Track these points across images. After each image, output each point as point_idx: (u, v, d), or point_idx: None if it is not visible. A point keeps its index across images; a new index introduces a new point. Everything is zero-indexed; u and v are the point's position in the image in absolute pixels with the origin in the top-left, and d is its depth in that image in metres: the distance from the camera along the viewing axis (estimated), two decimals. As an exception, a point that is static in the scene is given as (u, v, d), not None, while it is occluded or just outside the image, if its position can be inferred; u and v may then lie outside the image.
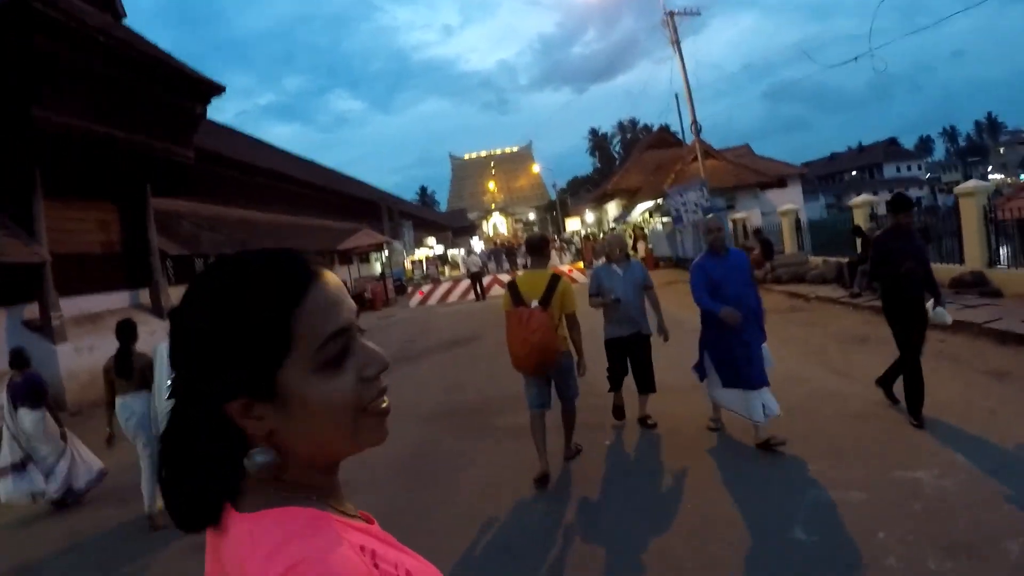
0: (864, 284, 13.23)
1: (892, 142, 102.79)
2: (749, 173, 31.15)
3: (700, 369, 6.54)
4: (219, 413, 0.85)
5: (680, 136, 43.75)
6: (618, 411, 7.44)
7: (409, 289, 29.12)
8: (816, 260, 17.91)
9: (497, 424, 8.10)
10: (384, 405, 0.91)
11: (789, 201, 30.99)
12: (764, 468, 5.59)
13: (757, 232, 19.26)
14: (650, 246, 32.55)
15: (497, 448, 7.19)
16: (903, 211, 6.21)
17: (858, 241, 14.94)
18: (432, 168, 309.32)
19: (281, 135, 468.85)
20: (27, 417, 6.88)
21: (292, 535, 0.80)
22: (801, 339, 10.75)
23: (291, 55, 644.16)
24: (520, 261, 38.42)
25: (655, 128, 62.86)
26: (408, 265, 42.52)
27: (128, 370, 6.29)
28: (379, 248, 31.83)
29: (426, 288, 28.30)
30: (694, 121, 22.17)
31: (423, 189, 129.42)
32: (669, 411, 7.37)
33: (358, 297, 26.40)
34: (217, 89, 17.13)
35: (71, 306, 14.13)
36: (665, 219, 27.85)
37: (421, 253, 51.75)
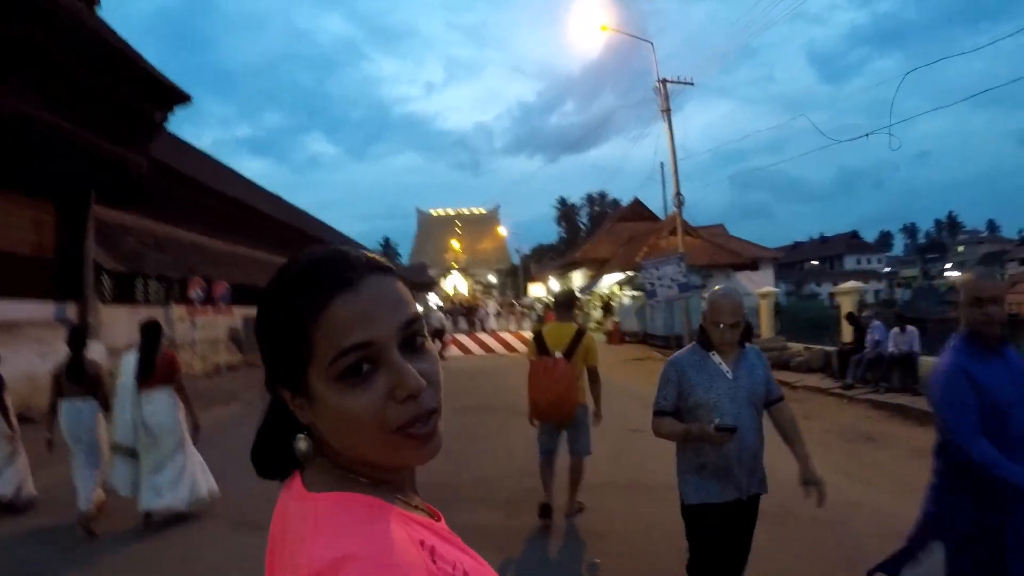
0: (859, 375, 12.31)
1: (854, 235, 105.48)
2: (724, 253, 30.59)
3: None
4: (279, 396, 0.92)
5: (653, 211, 43.68)
6: None
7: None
8: (796, 346, 17.03)
9: (457, 522, 6.78)
10: (421, 431, 0.86)
11: (760, 284, 30.53)
12: None
13: (740, 314, 18.57)
14: (617, 319, 31.66)
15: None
16: None
17: (851, 329, 14.04)
18: (398, 221, 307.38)
19: (254, 168, 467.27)
20: None
21: (353, 523, 0.81)
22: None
23: (273, 91, 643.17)
24: (484, 323, 37.34)
25: (624, 203, 62.72)
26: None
27: (79, 375, 6.48)
28: None
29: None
30: (677, 192, 21.35)
31: (386, 240, 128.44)
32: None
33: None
34: (182, 98, 16.10)
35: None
36: (635, 293, 26.95)
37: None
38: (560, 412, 5.88)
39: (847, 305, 15.38)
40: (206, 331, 21.74)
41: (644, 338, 25.52)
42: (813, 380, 13.95)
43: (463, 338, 26.33)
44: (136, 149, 15.57)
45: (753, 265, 31.71)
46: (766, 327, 18.92)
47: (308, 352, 0.84)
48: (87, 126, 13.40)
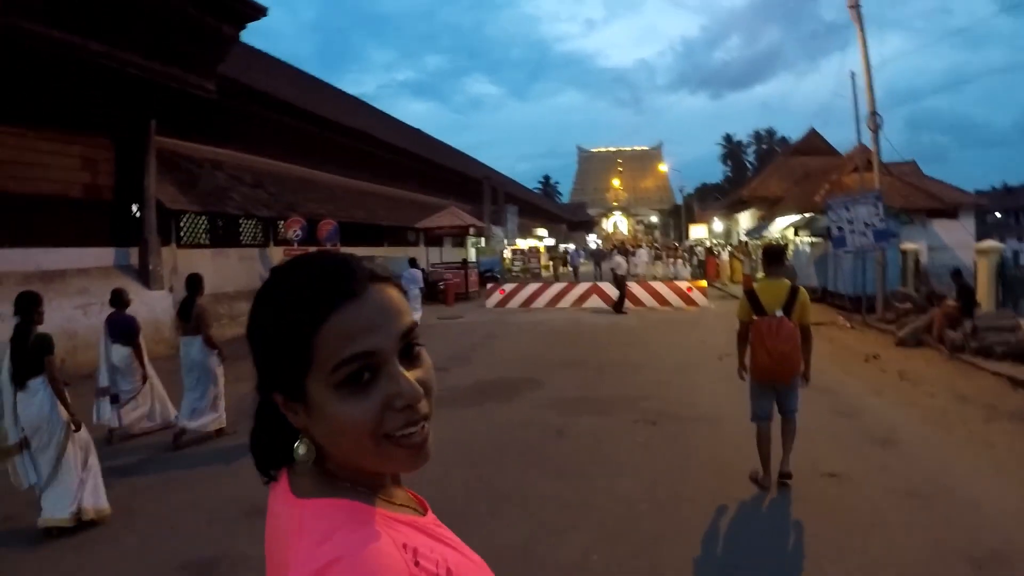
0: None
1: None
2: (921, 195, 25.12)
3: None
4: (270, 398, 0.93)
5: (832, 145, 38.11)
6: None
7: (489, 286, 24.18)
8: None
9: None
10: (414, 439, 0.88)
11: (958, 235, 24.94)
12: None
13: (955, 275, 13.69)
14: (760, 272, 27.17)
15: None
16: None
17: None
18: (559, 160, 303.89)
19: (416, 112, 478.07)
20: (118, 352, 7.82)
21: (335, 529, 0.83)
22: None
23: (433, 34, 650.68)
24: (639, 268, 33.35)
25: (793, 141, 56.25)
26: (507, 255, 37.99)
27: (187, 316, 7.69)
28: (464, 232, 27.10)
29: (508, 287, 23.40)
30: (873, 112, 16.59)
31: (546, 178, 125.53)
32: None
33: (432, 287, 21.98)
34: (256, 11, 13.93)
35: (25, 260, 12.00)
36: (815, 239, 22.25)
37: (529, 244, 47.30)
38: (787, 372, 5.85)
39: None
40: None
41: (823, 296, 20.66)
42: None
43: (611, 289, 22.57)
44: (202, 70, 13.57)
45: (952, 212, 26.08)
46: (986, 295, 14.08)
47: (309, 359, 0.85)
48: (139, 49, 11.99)
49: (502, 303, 22.32)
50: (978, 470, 6.34)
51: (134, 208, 14.31)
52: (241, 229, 18.44)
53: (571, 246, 50.69)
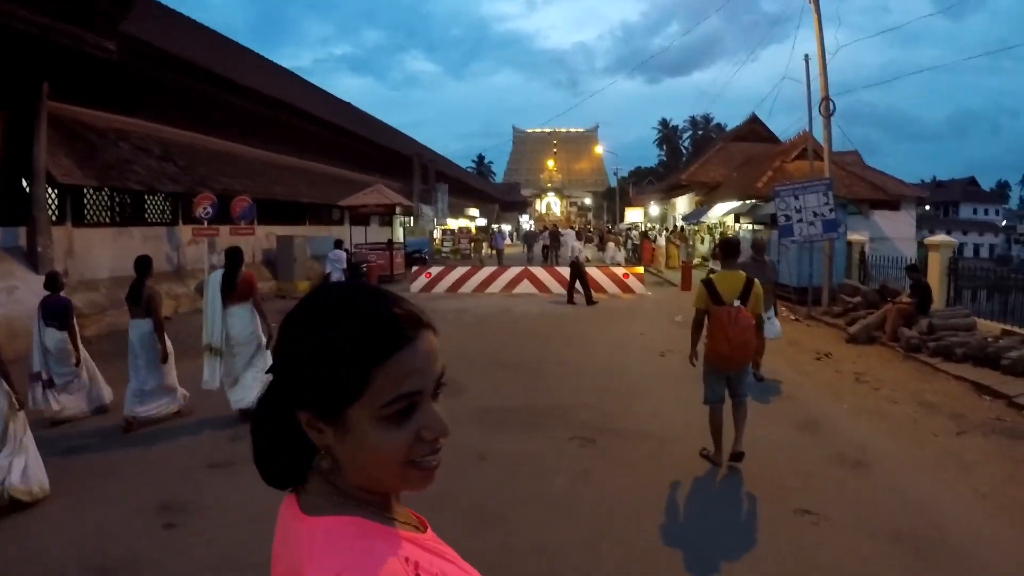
0: None
1: (971, 182, 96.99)
2: (865, 186, 24.73)
3: None
4: (291, 413, 0.96)
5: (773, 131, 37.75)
6: None
7: (414, 269, 22.75)
8: (989, 325, 11.85)
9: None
10: (434, 464, 0.96)
11: (898, 227, 24.62)
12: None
13: (911, 270, 12.99)
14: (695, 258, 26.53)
15: None
16: None
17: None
18: (494, 140, 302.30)
19: (352, 87, 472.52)
20: (52, 336, 7.59)
21: (344, 548, 0.89)
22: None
23: (372, 9, 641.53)
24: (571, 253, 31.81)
25: (730, 128, 55.75)
26: (437, 235, 36.74)
27: (137, 298, 7.58)
28: (391, 210, 25.67)
29: (435, 270, 22.08)
30: (826, 97, 15.82)
31: (480, 157, 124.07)
32: None
33: (354, 269, 20.68)
34: None
35: None
36: (757, 227, 21.55)
37: (460, 224, 46.06)
38: (743, 359, 6.14)
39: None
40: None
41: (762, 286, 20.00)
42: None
43: (540, 272, 21.52)
44: (101, 29, 12.08)
45: (895, 204, 25.81)
46: (937, 292, 13.38)
47: (361, 391, 0.90)
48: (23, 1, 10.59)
49: (427, 288, 21.07)
50: (962, 499, 5.60)
51: (24, 183, 12.79)
52: (147, 206, 16.90)
53: (496, 226, 49.05)
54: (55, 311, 7.59)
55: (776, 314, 9.97)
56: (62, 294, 7.78)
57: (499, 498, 5.49)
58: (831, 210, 14.52)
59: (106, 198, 15.29)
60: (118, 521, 5.10)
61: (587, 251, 29.43)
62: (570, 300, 18.14)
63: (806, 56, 16.89)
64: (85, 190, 14.46)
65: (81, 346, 7.82)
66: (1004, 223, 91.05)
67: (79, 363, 7.70)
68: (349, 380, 0.90)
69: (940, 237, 14.74)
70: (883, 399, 8.67)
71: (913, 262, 13.80)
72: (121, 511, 5.27)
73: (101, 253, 14.39)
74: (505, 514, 5.17)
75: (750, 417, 6.32)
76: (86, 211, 14.75)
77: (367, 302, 0.96)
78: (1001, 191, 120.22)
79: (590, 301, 17.91)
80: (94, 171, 14.03)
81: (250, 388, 7.57)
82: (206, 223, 16.38)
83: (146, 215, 16.84)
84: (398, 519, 1.01)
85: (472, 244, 36.70)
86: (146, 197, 16.60)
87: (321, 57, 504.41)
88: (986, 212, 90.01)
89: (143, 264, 7.69)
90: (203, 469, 6.14)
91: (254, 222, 18.96)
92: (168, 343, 7.67)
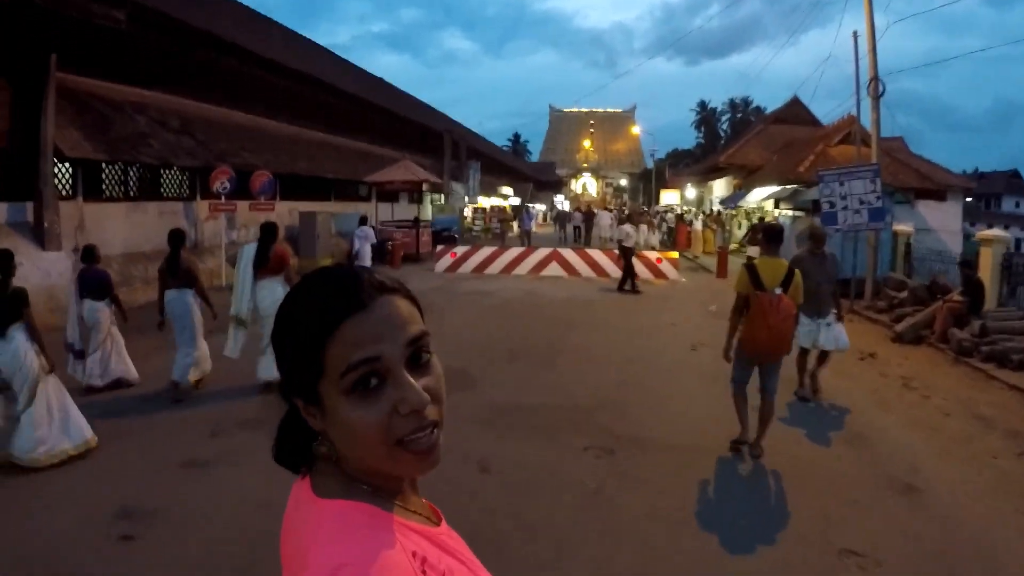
0: None
1: (1015, 174, 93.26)
2: (911, 174, 23.55)
3: None
4: (292, 402, 0.98)
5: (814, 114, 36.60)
6: None
7: (439, 248, 22.22)
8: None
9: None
10: (422, 443, 0.91)
11: (943, 219, 23.38)
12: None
13: (964, 266, 12.05)
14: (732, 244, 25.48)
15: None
16: None
17: None
18: (530, 119, 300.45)
19: (389, 64, 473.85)
20: (89, 307, 7.67)
21: (350, 534, 0.87)
22: None
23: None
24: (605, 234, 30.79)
25: (767, 112, 54.13)
26: (468, 214, 35.96)
27: (175, 270, 7.79)
28: (418, 187, 24.95)
29: (460, 250, 21.43)
30: (875, 78, 14.88)
31: (516, 136, 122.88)
32: None
33: (379, 246, 20.05)
34: None
35: None
36: (797, 213, 20.59)
37: (493, 202, 45.26)
38: (780, 349, 5.97)
39: None
40: (249, 231, 17.45)
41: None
42: None
43: (570, 255, 20.71)
44: None
45: (941, 194, 24.51)
46: (989, 290, 12.29)
47: (321, 366, 0.90)
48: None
49: (452, 268, 20.49)
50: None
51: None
52: (164, 181, 16.41)
53: (526, 204, 47.48)
54: (93, 283, 7.73)
55: (841, 318, 8.27)
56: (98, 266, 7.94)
57: (496, 523, 4.79)
58: (878, 198, 13.60)
59: (120, 172, 14.80)
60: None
61: (640, 235, 26.07)
62: (625, 287, 17.04)
63: (855, 32, 15.97)
64: (102, 165, 14.02)
65: (113, 320, 8.01)
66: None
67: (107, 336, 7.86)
68: (306, 357, 0.90)
69: (994, 231, 13.71)
70: (934, 410, 7.90)
71: (967, 257, 12.84)
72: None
73: (114, 228, 13.95)
74: (501, 544, 4.48)
75: (791, 427, 6.38)
76: (102, 186, 14.29)
77: (329, 279, 0.95)
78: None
79: (632, 289, 16.90)
80: (105, 144, 13.52)
81: (273, 362, 7.96)
82: (223, 198, 15.91)
83: (163, 190, 16.35)
84: (410, 508, 0.98)
85: (501, 224, 35.30)
86: (162, 171, 16.12)
87: (359, 34, 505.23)
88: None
89: (178, 236, 7.90)
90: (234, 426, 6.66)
91: (276, 197, 18.43)
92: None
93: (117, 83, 15.40)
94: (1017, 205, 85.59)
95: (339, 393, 0.89)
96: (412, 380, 0.90)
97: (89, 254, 7.89)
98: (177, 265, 7.73)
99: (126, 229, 14.22)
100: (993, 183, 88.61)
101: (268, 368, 7.65)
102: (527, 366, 9.33)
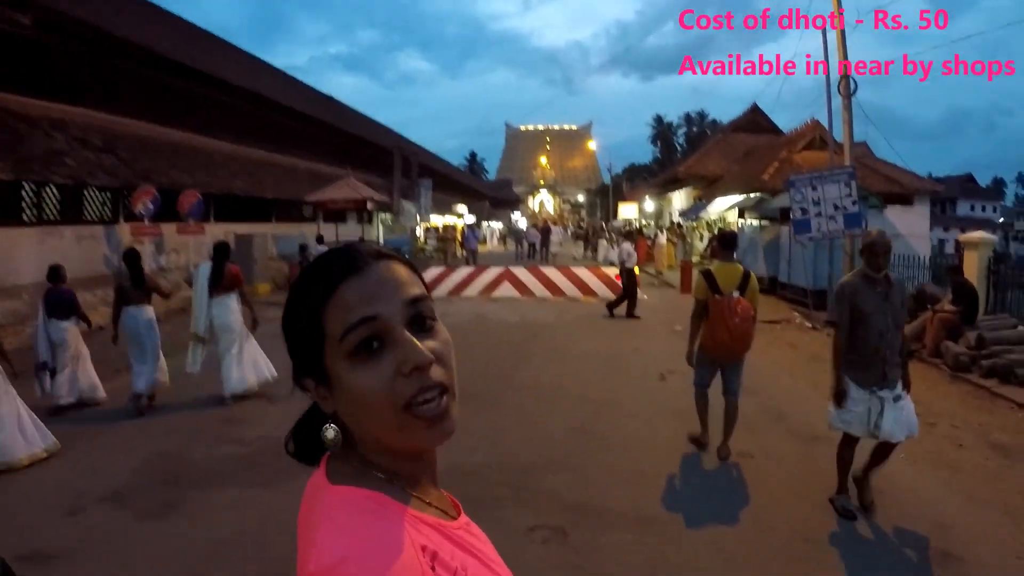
0: None
1: (969, 178, 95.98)
2: (879, 178, 22.86)
3: None
4: (304, 387, 0.95)
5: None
6: None
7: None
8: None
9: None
10: (431, 408, 0.87)
11: (911, 223, 22.69)
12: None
13: (952, 271, 11.18)
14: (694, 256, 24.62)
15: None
16: None
17: None
18: (488, 138, 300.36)
19: (347, 86, 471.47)
20: (56, 327, 7.75)
21: (358, 524, 0.83)
22: None
23: (368, 7, 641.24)
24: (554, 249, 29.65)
25: (722, 124, 53.77)
26: (420, 234, 34.73)
27: (140, 285, 8.09)
28: (362, 205, 23.41)
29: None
30: (845, 75, 14.05)
31: (472, 155, 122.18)
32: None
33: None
34: None
35: None
36: (764, 222, 19.75)
37: (447, 221, 44.08)
38: (740, 350, 6.10)
39: None
40: (180, 256, 16.12)
41: (772, 287, 18.09)
42: None
43: (522, 272, 19.43)
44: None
45: (908, 199, 23.89)
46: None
47: (321, 333, 0.88)
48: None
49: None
50: None
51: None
52: (85, 203, 15.05)
53: (468, 224, 45.33)
54: (59, 303, 7.81)
55: (907, 387, 5.14)
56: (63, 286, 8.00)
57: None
58: (854, 202, 12.76)
59: (33, 194, 13.44)
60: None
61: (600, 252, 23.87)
62: (616, 310, 15.68)
63: (824, 32, 15.03)
64: (18, 186, 12.74)
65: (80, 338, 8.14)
66: (1001, 220, 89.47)
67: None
68: (307, 326, 0.89)
69: (978, 234, 12.85)
70: (944, 440, 6.86)
71: (955, 264, 11.98)
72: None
73: (24, 256, 12.57)
74: None
75: (788, 473, 5.96)
76: (16, 209, 12.97)
77: (330, 253, 0.94)
78: (997, 188, 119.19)
79: (614, 310, 15.68)
80: (10, 164, 12.19)
81: (230, 372, 8.18)
82: (147, 220, 14.58)
83: (84, 213, 14.99)
84: (427, 500, 0.94)
85: (444, 243, 33.70)
86: (84, 193, 14.78)
87: (317, 55, 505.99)
88: (983, 209, 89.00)
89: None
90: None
91: (209, 219, 17.14)
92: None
93: (35, 98, 14.10)
94: (972, 208, 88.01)
95: (342, 359, 0.86)
96: (414, 339, 0.87)
97: (55, 274, 7.91)
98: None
99: (38, 256, 12.86)
100: (949, 188, 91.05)
101: (232, 381, 8.14)
102: (468, 409, 7.84)
